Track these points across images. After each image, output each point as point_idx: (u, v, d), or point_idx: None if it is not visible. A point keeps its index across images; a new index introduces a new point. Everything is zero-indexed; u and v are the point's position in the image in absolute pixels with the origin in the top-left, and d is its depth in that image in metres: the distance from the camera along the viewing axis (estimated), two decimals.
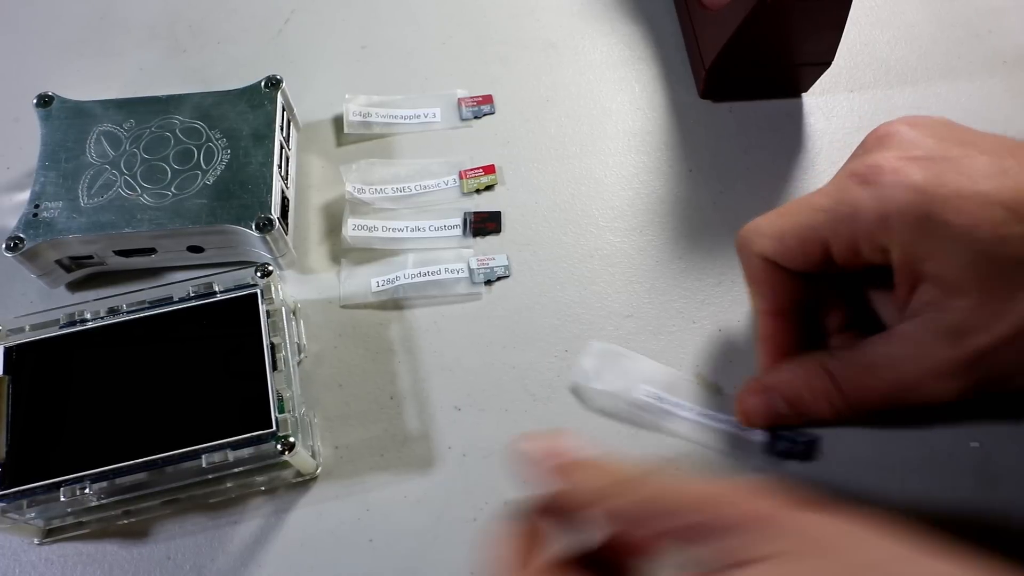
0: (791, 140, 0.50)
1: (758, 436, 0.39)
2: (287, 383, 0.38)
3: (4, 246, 0.41)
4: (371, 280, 0.45)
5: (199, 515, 0.39)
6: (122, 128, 0.45)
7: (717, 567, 0.24)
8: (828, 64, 0.48)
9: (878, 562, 0.22)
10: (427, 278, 0.44)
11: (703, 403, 0.41)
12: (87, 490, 0.35)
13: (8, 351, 0.38)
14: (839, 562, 0.23)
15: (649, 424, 0.40)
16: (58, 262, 0.43)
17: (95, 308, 0.40)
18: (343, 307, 0.44)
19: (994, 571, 0.22)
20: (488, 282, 0.45)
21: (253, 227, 0.42)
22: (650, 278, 0.45)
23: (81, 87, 0.47)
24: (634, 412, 0.40)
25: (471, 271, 0.45)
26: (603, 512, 0.27)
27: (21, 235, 0.41)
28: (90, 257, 0.43)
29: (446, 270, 0.45)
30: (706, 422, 0.40)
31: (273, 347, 0.39)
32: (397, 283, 0.44)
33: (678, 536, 0.26)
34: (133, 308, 0.40)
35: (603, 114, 0.51)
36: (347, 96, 0.51)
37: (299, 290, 0.45)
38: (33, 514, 0.36)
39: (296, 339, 0.42)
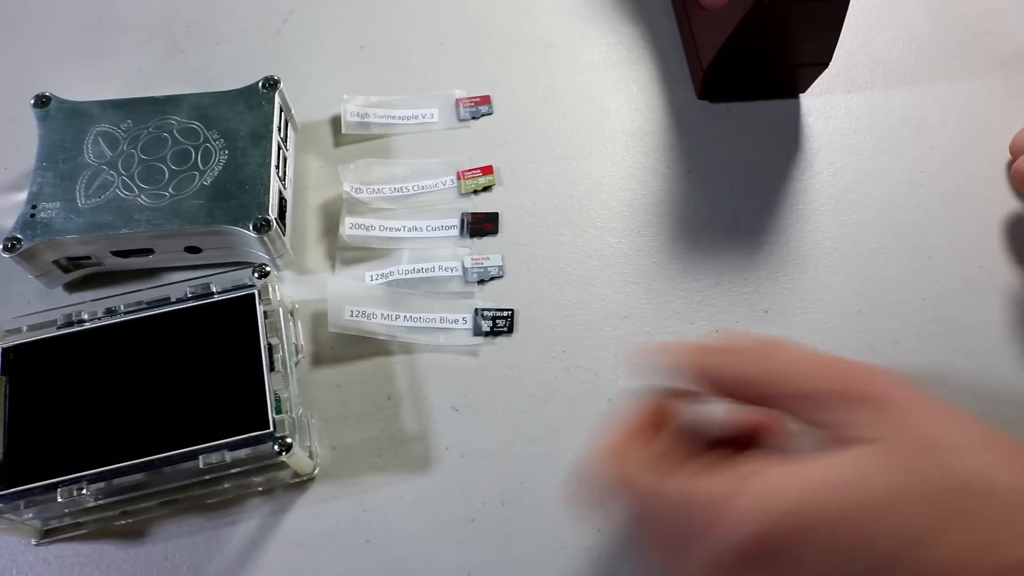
0: (789, 141, 0.50)
1: (462, 323, 0.43)
2: (284, 384, 0.38)
3: (2, 247, 0.41)
4: (365, 274, 0.45)
5: (197, 516, 0.39)
6: (120, 129, 0.45)
7: (822, 442, 0.24)
8: (826, 65, 0.48)
9: (975, 473, 0.22)
10: (420, 275, 0.44)
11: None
12: (84, 491, 0.35)
13: (6, 352, 0.38)
14: (934, 466, 0.22)
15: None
16: (56, 263, 0.43)
17: (93, 309, 0.40)
18: None
19: None
20: (481, 281, 0.45)
21: (250, 228, 0.42)
22: (648, 279, 0.45)
23: (79, 87, 0.47)
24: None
25: (465, 270, 0.45)
26: (731, 380, 0.27)
27: (19, 235, 0.41)
28: (88, 258, 0.43)
29: (440, 267, 0.45)
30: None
31: (270, 348, 0.39)
32: (391, 278, 0.44)
33: (796, 407, 0.26)
34: (131, 309, 0.40)
35: (601, 115, 0.51)
36: (345, 96, 0.51)
37: (297, 291, 0.45)
38: (30, 515, 0.36)
39: (294, 339, 0.42)
